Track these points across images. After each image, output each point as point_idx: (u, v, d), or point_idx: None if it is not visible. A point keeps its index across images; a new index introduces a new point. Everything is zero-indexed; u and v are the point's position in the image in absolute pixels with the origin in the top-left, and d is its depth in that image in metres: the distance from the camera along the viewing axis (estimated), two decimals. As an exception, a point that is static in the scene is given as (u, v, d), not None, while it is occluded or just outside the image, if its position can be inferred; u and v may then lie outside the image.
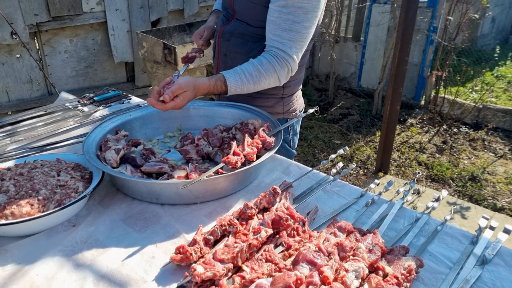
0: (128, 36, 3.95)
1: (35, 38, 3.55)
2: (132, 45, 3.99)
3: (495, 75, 5.41)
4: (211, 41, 1.77)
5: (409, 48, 3.13)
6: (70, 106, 1.81)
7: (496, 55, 4.87)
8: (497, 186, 3.39)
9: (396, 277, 0.86)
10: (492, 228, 1.05)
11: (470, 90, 4.67)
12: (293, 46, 1.39)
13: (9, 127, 1.62)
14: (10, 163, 1.25)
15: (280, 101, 1.64)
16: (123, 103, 1.84)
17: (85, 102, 1.85)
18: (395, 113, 3.38)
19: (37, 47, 3.60)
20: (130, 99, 1.89)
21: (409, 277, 0.87)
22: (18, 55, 3.46)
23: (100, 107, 1.79)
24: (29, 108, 2.83)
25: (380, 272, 0.89)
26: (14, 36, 3.27)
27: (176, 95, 1.28)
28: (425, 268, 0.92)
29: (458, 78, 4.44)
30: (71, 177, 1.15)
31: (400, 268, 0.89)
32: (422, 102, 4.67)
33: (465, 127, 4.28)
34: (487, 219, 1.06)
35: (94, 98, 1.88)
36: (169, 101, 1.27)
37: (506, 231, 1.03)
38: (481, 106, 4.33)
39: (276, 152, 1.32)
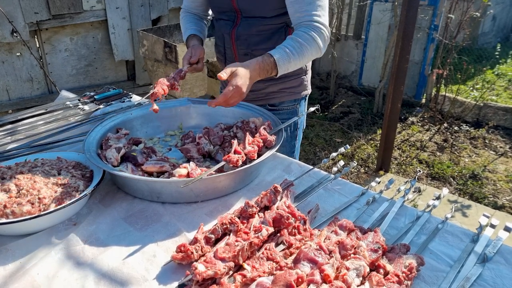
0: (129, 34, 3.95)
1: (36, 36, 3.54)
2: (132, 44, 3.99)
3: (496, 73, 5.40)
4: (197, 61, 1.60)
5: (410, 46, 3.12)
6: (71, 105, 1.81)
7: (497, 53, 4.86)
8: (497, 184, 3.39)
9: (397, 275, 0.86)
10: (492, 226, 1.05)
11: (471, 88, 4.66)
12: (321, 14, 1.42)
13: (9, 126, 1.62)
14: (10, 162, 1.25)
15: (304, 79, 1.71)
16: (123, 101, 1.84)
17: (86, 100, 1.85)
18: (396, 112, 3.38)
19: (38, 46, 3.59)
20: (131, 97, 1.89)
21: (410, 275, 0.87)
22: (19, 54, 3.46)
23: (101, 106, 1.79)
24: (30, 106, 2.83)
25: (381, 270, 0.89)
26: (14, 34, 3.26)
27: (232, 74, 1.24)
28: (426, 266, 0.92)
29: (459, 76, 4.43)
30: (71, 176, 1.15)
31: (401, 266, 0.89)
32: (423, 100, 4.66)
33: (466, 125, 4.27)
34: (487, 217, 1.06)
35: (95, 97, 1.87)
36: (226, 77, 1.23)
37: (507, 229, 1.03)
38: (482, 104, 4.32)
39: (279, 150, 1.33)
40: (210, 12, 1.82)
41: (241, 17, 1.56)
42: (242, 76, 1.25)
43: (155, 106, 1.31)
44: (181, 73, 1.47)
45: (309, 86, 1.78)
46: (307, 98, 1.81)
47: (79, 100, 1.86)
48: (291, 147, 1.78)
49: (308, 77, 1.75)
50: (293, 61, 1.37)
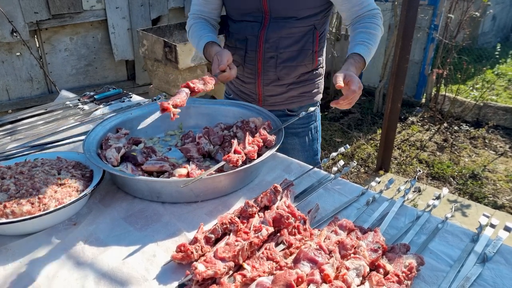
0: (129, 34, 3.94)
1: (35, 36, 3.54)
2: (132, 43, 3.98)
3: (495, 73, 5.40)
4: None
5: (410, 46, 3.12)
6: (71, 105, 1.81)
7: (496, 53, 4.85)
8: (497, 184, 3.39)
9: (397, 275, 0.86)
10: (492, 226, 1.05)
11: (471, 88, 4.66)
12: (371, 2, 1.49)
13: (9, 126, 1.62)
14: (10, 162, 1.25)
15: (321, 82, 1.71)
16: (123, 101, 1.84)
17: (86, 100, 1.85)
18: (396, 111, 3.38)
19: (37, 45, 3.59)
20: (131, 97, 1.89)
21: (410, 275, 0.87)
22: (18, 53, 3.46)
23: (101, 106, 1.79)
24: (30, 106, 2.83)
25: (381, 270, 0.89)
26: (14, 34, 3.26)
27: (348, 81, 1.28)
28: (426, 266, 0.92)
29: (459, 76, 4.43)
30: (71, 176, 1.15)
31: (401, 266, 0.89)
32: (423, 100, 4.66)
33: (466, 125, 4.27)
34: (487, 217, 1.06)
35: (95, 97, 1.87)
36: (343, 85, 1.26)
37: (507, 229, 1.03)
38: (481, 104, 4.32)
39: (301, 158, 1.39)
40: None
41: (270, 18, 1.50)
42: (356, 79, 1.30)
43: (174, 115, 1.24)
44: (208, 82, 1.38)
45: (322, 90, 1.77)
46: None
47: (79, 100, 1.86)
48: (314, 151, 1.78)
49: (323, 81, 1.74)
50: (372, 52, 1.46)
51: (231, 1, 1.58)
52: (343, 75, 1.26)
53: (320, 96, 1.74)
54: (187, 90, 1.31)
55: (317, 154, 1.80)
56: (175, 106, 1.23)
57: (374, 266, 0.90)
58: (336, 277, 0.84)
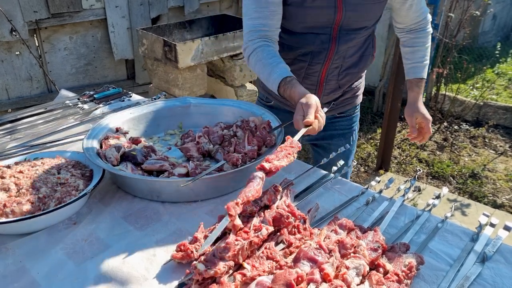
0: (128, 33, 3.94)
1: (35, 35, 3.54)
2: (132, 42, 3.98)
3: (496, 72, 5.40)
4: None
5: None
6: (70, 104, 1.80)
7: (497, 52, 4.85)
8: (497, 183, 3.39)
9: (397, 274, 0.86)
10: (492, 225, 1.05)
11: (471, 87, 4.66)
12: (424, 4, 1.51)
13: (9, 125, 1.62)
14: (10, 161, 1.25)
15: (364, 80, 1.70)
16: (123, 100, 1.83)
17: (85, 99, 1.85)
18: (396, 111, 3.38)
19: (37, 44, 3.59)
20: (131, 96, 1.89)
21: (409, 274, 0.87)
22: (18, 53, 3.45)
23: (101, 105, 1.79)
24: (29, 105, 2.82)
25: (381, 269, 0.89)
26: (13, 33, 3.26)
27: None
28: (426, 265, 0.92)
29: (459, 75, 4.43)
30: (71, 175, 1.15)
31: (400, 265, 0.89)
32: (423, 100, 4.66)
33: (466, 124, 4.27)
34: (487, 216, 1.06)
35: (94, 96, 1.87)
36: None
37: (507, 228, 1.03)
38: (481, 103, 4.32)
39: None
40: None
41: (340, 30, 1.37)
42: (425, 112, 1.57)
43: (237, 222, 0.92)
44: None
45: None
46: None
47: (78, 99, 1.86)
48: (353, 152, 1.78)
49: (364, 82, 1.72)
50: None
51: (299, 16, 1.34)
52: (415, 115, 1.55)
53: (361, 97, 1.72)
54: (261, 174, 0.98)
55: (351, 157, 1.77)
56: (247, 203, 0.91)
57: (374, 265, 0.90)
58: (336, 276, 0.84)
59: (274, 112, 1.45)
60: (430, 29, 1.55)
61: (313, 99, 1.16)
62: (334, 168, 1.30)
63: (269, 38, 1.33)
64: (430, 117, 1.57)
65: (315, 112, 1.13)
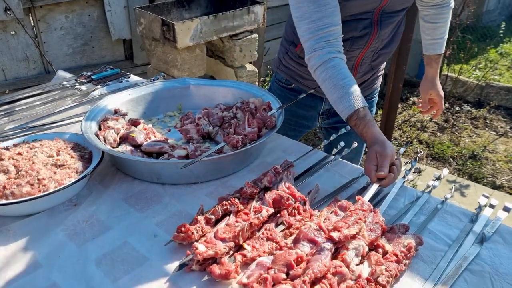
0: (125, 12, 3.86)
1: (30, 14, 3.46)
2: (129, 22, 3.90)
3: (499, 52, 5.32)
4: None
5: (413, 25, 3.05)
6: (68, 85, 1.78)
7: (501, 31, 4.77)
8: (497, 164, 3.40)
9: (396, 255, 0.87)
10: (492, 206, 1.05)
11: (474, 67, 4.60)
12: None
13: (6, 106, 1.60)
14: (8, 143, 1.24)
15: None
16: (121, 81, 1.81)
17: (83, 80, 1.83)
18: (397, 92, 3.35)
19: (32, 24, 3.52)
20: (129, 77, 1.86)
21: (408, 255, 0.88)
22: (13, 32, 3.39)
23: (98, 86, 1.76)
24: (26, 86, 2.79)
25: (380, 250, 0.89)
26: (8, 12, 3.19)
27: None
28: (425, 245, 0.93)
29: (462, 55, 4.37)
30: (70, 157, 1.15)
31: (399, 246, 0.90)
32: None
33: (467, 106, 4.25)
34: (487, 197, 1.06)
35: (92, 77, 1.85)
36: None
37: (506, 209, 1.03)
38: (484, 84, 4.28)
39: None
40: None
41: (382, 13, 1.32)
42: (440, 89, 1.64)
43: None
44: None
45: None
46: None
47: (76, 80, 1.83)
48: None
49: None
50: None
51: (346, 6, 1.24)
52: (430, 92, 1.60)
53: (381, 79, 1.70)
54: (329, 245, 0.85)
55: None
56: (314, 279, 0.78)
57: (373, 246, 0.91)
58: (336, 257, 0.85)
59: (294, 95, 1.42)
60: (453, 3, 1.54)
61: (389, 149, 1.06)
62: (341, 150, 1.29)
63: (337, 46, 1.19)
64: (442, 94, 1.64)
65: (389, 164, 1.05)
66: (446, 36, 1.57)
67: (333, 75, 1.16)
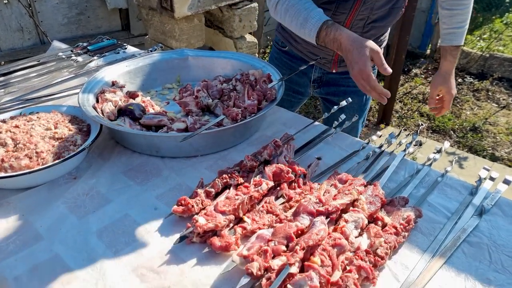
0: (121, -20, 3.72)
1: (22, -18, 3.34)
2: (125, -10, 3.77)
3: (504, 22, 5.18)
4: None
5: (418, -7, 2.96)
6: (64, 56, 1.74)
7: (507, 0, 4.63)
8: (497, 137, 3.39)
9: (395, 227, 0.88)
10: (492, 179, 1.05)
11: (478, 38, 4.50)
12: None
13: (1, 78, 1.57)
14: (5, 116, 1.23)
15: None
16: (118, 53, 1.77)
17: (79, 51, 1.78)
18: (399, 63, 3.29)
19: (25, -8, 3.40)
20: (126, 48, 1.82)
21: (407, 227, 0.89)
22: (6, 1, 3.29)
23: (95, 57, 1.72)
24: (22, 58, 2.73)
25: (379, 223, 0.90)
26: (-1, -20, 3.07)
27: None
28: (424, 218, 0.93)
29: (467, 25, 4.26)
30: (68, 130, 1.13)
31: (399, 219, 0.90)
32: (428, 51, 4.52)
33: (470, 77, 4.19)
34: (487, 170, 1.06)
35: (88, 48, 1.80)
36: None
37: (506, 181, 1.03)
38: (487, 55, 4.20)
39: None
40: None
41: None
42: (452, 87, 1.50)
43: None
44: None
45: None
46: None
47: (72, 51, 1.79)
48: (367, 109, 1.72)
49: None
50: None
51: None
52: (441, 86, 1.48)
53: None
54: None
55: (366, 111, 1.73)
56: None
57: (372, 219, 0.91)
58: (335, 230, 0.85)
59: (288, 58, 1.36)
60: None
61: (371, 42, 1.07)
62: (339, 123, 1.28)
63: None
64: (454, 92, 1.53)
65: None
66: (466, 27, 1.44)
67: (295, 2, 1.16)
